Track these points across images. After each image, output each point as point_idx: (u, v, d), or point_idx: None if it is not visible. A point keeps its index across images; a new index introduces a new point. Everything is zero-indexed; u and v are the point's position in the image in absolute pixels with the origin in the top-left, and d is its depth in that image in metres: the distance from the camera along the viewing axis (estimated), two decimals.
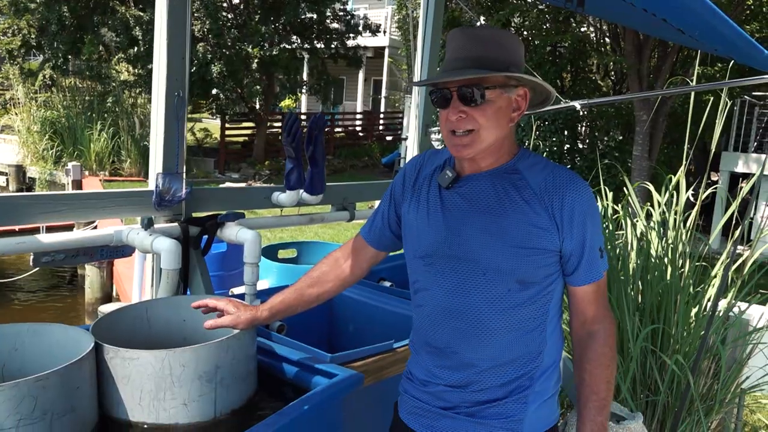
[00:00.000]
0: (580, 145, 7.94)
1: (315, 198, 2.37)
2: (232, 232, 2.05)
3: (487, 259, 1.29)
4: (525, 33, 7.90)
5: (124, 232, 1.88)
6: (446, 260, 1.34)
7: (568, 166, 7.57)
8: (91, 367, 1.39)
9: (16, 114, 13.44)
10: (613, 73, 8.60)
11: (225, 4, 13.63)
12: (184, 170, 2.06)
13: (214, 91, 13.84)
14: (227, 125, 15.24)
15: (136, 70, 12.94)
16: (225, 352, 1.46)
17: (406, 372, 1.48)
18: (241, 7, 14.10)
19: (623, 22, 4.57)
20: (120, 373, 1.40)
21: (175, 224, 2.01)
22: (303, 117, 18.89)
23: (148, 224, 1.84)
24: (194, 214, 2.15)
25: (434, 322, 1.37)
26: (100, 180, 11.86)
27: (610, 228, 2.95)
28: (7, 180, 12.58)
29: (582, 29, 7.75)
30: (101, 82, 13.25)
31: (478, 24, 8.33)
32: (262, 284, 3.34)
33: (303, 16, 14.40)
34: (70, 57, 13.38)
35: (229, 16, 13.75)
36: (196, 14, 12.46)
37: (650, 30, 2.40)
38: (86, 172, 11.82)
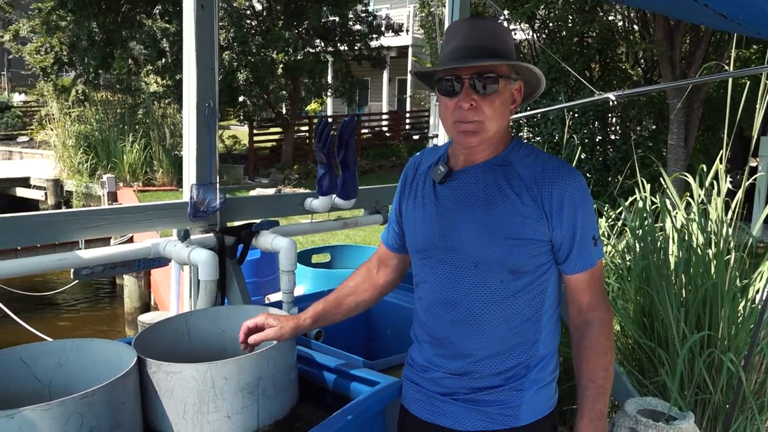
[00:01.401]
0: (613, 137, 7.79)
1: (348, 203, 2.36)
2: (267, 240, 2.05)
3: (478, 250, 1.32)
4: (551, 25, 7.79)
5: (161, 245, 1.89)
6: (440, 253, 1.37)
7: (601, 158, 7.44)
8: (135, 382, 1.39)
9: (51, 129, 13.78)
10: (643, 61, 8.41)
11: (249, 12, 13.74)
12: (218, 180, 2.06)
13: (241, 98, 13.98)
14: (255, 131, 15.38)
15: (164, 81, 13.15)
16: (266, 363, 1.45)
17: (408, 358, 1.52)
18: (265, 14, 14.22)
19: (658, 10, 4.45)
20: (163, 387, 1.40)
21: (211, 235, 2.02)
22: (330, 120, 18.97)
23: (184, 236, 1.85)
24: (229, 224, 2.15)
25: (432, 314, 1.41)
26: (134, 191, 12.08)
27: (649, 221, 2.87)
28: (46, 194, 12.90)
29: (609, 18, 7.59)
30: (131, 95, 13.51)
31: (502, 18, 8.24)
32: (298, 290, 3.35)
33: (325, 20, 14.45)
34: (101, 71, 13.67)
35: (253, 23, 13.87)
36: (220, 23, 12.59)
37: (686, 16, 2.33)
38: (120, 184, 12.05)
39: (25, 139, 18.65)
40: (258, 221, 2.10)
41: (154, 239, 1.92)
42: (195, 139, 1.98)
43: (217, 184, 2.06)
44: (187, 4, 1.94)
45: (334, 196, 2.35)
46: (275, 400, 1.48)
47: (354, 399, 1.53)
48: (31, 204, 12.98)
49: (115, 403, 1.30)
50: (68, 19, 12.55)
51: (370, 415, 1.49)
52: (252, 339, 1.47)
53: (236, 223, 2.17)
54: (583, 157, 7.51)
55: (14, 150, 17.29)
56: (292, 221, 2.73)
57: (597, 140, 7.36)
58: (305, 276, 3.40)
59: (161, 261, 2.14)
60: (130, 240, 5.82)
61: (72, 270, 1.99)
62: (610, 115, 7.84)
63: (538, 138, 7.87)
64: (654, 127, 7.55)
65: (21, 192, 13.41)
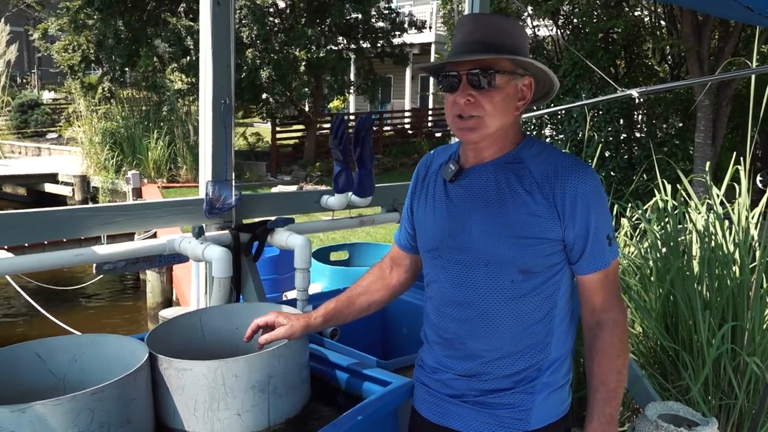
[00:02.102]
0: (638, 134, 7.65)
1: (364, 200, 2.34)
2: (282, 237, 2.04)
3: (488, 249, 1.29)
4: (575, 21, 7.67)
5: (177, 241, 1.90)
6: (450, 252, 1.35)
7: (626, 156, 7.32)
8: (147, 378, 1.40)
9: (78, 126, 14.02)
10: (670, 57, 8.24)
11: (272, 10, 13.80)
12: (233, 177, 2.06)
13: (263, 96, 14.06)
14: (278, 128, 15.46)
15: (188, 79, 13.29)
16: (277, 362, 1.44)
17: (418, 360, 1.50)
18: (288, 11, 14.27)
19: (685, 3, 4.35)
20: (174, 383, 1.40)
21: (226, 231, 2.02)
22: (351, 117, 19.00)
23: (198, 233, 1.85)
24: (245, 221, 2.15)
25: (442, 314, 1.39)
26: (159, 187, 12.23)
27: (672, 223, 2.81)
28: (73, 190, 13.13)
29: (635, 13, 7.45)
30: (156, 92, 13.68)
31: (525, 15, 8.15)
32: (315, 288, 3.34)
33: (348, 17, 14.45)
34: (126, 69, 13.86)
35: (276, 21, 13.93)
36: (243, 21, 12.68)
37: (712, 9, 2.26)
38: (145, 180, 12.22)
39: (54, 135, 19.00)
40: (273, 218, 2.09)
41: (170, 236, 1.93)
42: (210, 136, 1.99)
43: (233, 181, 2.06)
44: (203, 1, 1.94)
45: (350, 193, 2.34)
46: (286, 398, 1.47)
47: (366, 399, 1.52)
48: (59, 199, 13.23)
49: (126, 399, 1.30)
50: (95, 17, 12.75)
51: (381, 416, 1.47)
52: (263, 338, 1.46)
53: (253, 220, 2.18)
54: (607, 155, 7.40)
55: (43, 146, 17.63)
56: (313, 218, 2.72)
57: (622, 138, 7.23)
58: (323, 273, 3.40)
59: (181, 256, 2.15)
60: (154, 236, 5.90)
61: (94, 265, 2.01)
62: (636, 112, 7.71)
63: (561, 136, 7.77)
64: (681, 124, 7.40)
65: (49, 188, 13.68)
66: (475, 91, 1.25)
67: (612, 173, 7.21)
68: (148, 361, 1.41)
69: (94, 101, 14.10)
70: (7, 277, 5.41)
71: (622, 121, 7.41)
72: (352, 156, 2.29)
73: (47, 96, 23.69)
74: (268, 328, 1.49)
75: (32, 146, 17.83)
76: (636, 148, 7.56)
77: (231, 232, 2.03)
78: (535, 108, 1.42)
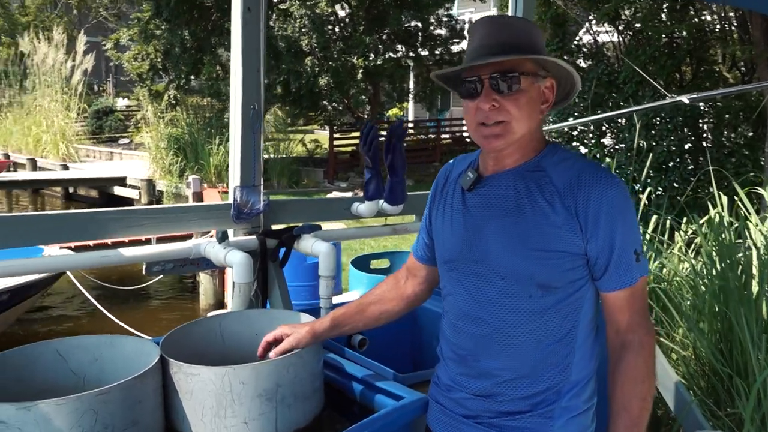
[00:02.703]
0: (705, 144, 7.27)
1: (395, 208, 2.30)
2: (307, 244, 2.03)
3: (505, 263, 1.23)
4: (638, 26, 7.38)
5: (202, 245, 1.91)
6: (467, 264, 1.28)
7: (690, 167, 6.96)
8: (156, 381, 1.40)
9: (146, 132, 14.63)
10: (742, 63, 7.81)
11: (331, 18, 14.00)
12: (262, 183, 2.06)
13: (322, 103, 14.26)
14: (335, 135, 15.64)
15: None
16: (286, 371, 1.42)
17: (434, 376, 1.44)
18: (347, 20, 14.44)
19: (754, 7, 4.11)
20: (183, 388, 1.40)
21: (253, 237, 2.02)
22: (411, 125, 19.00)
23: (222, 237, 1.86)
24: (275, 227, 2.15)
25: (457, 329, 1.32)
26: (219, 191, 12.58)
27: (729, 238, 2.63)
28: (140, 193, 13.69)
29: (703, 16, 7.09)
30: (219, 99, 14.09)
31: (585, 20, 7.91)
32: (353, 295, 3.32)
33: (407, 25, 14.48)
34: (191, 77, 14.36)
35: (336, 29, 14.12)
36: (303, 29, 12.90)
37: None
38: (205, 185, 12.59)
39: (125, 141, 19.92)
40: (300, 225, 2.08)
41: (197, 239, 1.94)
42: (239, 142, 2.00)
43: (261, 186, 2.06)
44: (234, 7, 1.96)
45: (381, 201, 2.30)
46: (295, 408, 1.45)
47: (377, 412, 1.47)
48: (127, 202, 13.81)
49: (131, 402, 1.31)
50: (163, 27, 13.30)
51: (391, 431, 1.42)
52: (272, 353, 1.45)
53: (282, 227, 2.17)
54: (670, 165, 7.06)
55: (115, 151, 18.50)
56: (359, 224, 2.69)
57: (686, 148, 6.89)
58: (360, 282, 3.38)
59: None
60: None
61: (144, 265, 2.06)
62: (702, 120, 7.33)
63: (622, 144, 7.48)
64: (751, 133, 6.98)
65: (118, 191, 14.32)
66: (498, 96, 1.20)
67: (675, 184, 6.88)
68: (158, 364, 1.41)
69: (161, 108, 14.68)
70: (70, 275, 5.66)
71: (686, 130, 7.06)
72: (384, 163, 2.25)
73: (121, 103, 24.87)
74: (278, 342, 1.47)
75: (105, 151, 18.75)
76: (702, 158, 7.18)
77: (258, 237, 2.03)
78: (583, 114, 1.34)
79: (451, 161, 1.45)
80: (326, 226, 3.09)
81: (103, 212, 1.78)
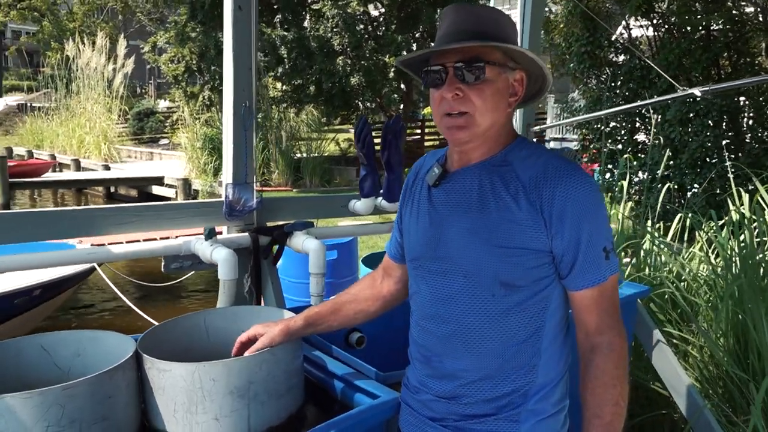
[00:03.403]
0: (746, 139, 7.00)
1: (393, 205, 2.28)
2: (299, 241, 2.02)
3: (467, 260, 1.18)
4: (673, 19, 7.15)
5: (192, 242, 1.93)
6: (430, 262, 1.25)
7: (727, 164, 6.71)
8: (129, 377, 1.41)
9: (183, 133, 14.95)
10: None
11: (364, 18, 14.02)
12: (254, 180, 2.07)
13: (355, 102, 14.29)
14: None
15: (282, 87, 13.76)
16: (258, 368, 1.41)
17: (405, 378, 1.41)
18: (380, 19, 14.44)
19: None
20: (156, 384, 1.41)
21: (244, 234, 2.03)
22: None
23: (209, 234, 1.86)
24: (270, 224, 2.15)
25: (422, 329, 1.29)
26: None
27: (748, 237, 2.50)
28: (176, 192, 14.00)
29: (742, 7, 6.81)
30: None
31: (618, 13, 7.71)
32: None
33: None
34: None
35: (368, 28, 14.13)
36: (335, 29, 12.96)
37: None
38: None
39: (165, 141, 20.42)
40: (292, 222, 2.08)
41: (187, 237, 1.96)
42: (231, 139, 2.00)
43: (254, 184, 2.06)
44: (226, 5, 1.97)
45: (380, 198, 2.28)
46: (269, 406, 1.44)
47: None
48: (165, 201, 14.15)
49: (100, 397, 1.31)
50: (198, 30, 13.55)
51: (359, 431, 1.40)
52: (247, 353, 1.44)
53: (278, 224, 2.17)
54: (708, 160, 6.82)
55: (155, 152, 18.99)
56: (363, 220, 2.68)
57: (723, 144, 6.64)
58: None
59: None
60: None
61: (162, 261, 2.10)
62: (741, 115, 7.05)
63: (658, 140, 7.26)
64: None
65: (156, 190, 14.69)
66: (463, 85, 1.16)
67: (711, 181, 6.63)
68: (132, 360, 1.42)
69: (196, 109, 14.97)
70: (99, 271, 5.81)
71: (724, 126, 6.80)
72: (381, 160, 2.23)
73: (162, 104, 25.48)
74: (252, 341, 1.46)
75: (146, 151, 19.27)
76: (741, 155, 6.91)
77: (250, 234, 2.03)
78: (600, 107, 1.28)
79: (423, 157, 1.42)
80: (345, 222, 3.08)
81: (92, 210, 1.81)
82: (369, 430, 1.43)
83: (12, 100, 29.60)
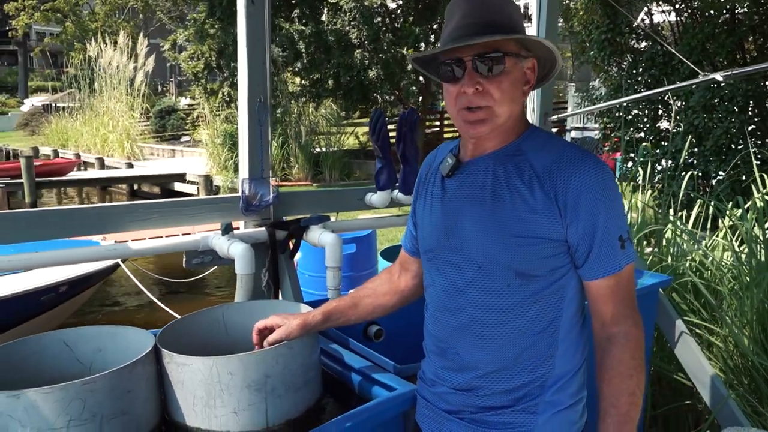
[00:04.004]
0: None
1: (409, 198, 2.26)
2: (314, 235, 2.02)
3: (482, 250, 1.17)
4: (695, 3, 7.00)
5: (210, 238, 1.94)
6: (445, 254, 1.24)
7: (753, 149, 6.56)
8: (148, 371, 1.43)
9: (204, 129, 15.08)
10: None
11: (381, 10, 13.97)
12: (270, 175, 2.07)
13: (373, 95, 14.27)
14: (388, 127, 15.61)
15: (301, 82, 13.79)
16: (275, 362, 1.42)
17: (420, 371, 1.40)
18: (398, 11, 14.37)
19: None
20: (175, 378, 1.43)
21: (262, 229, 2.04)
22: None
23: (226, 229, 1.88)
24: (287, 218, 2.16)
25: (437, 321, 1.28)
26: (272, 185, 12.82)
27: None
28: (198, 188, 14.13)
29: None
30: (271, 95, 14.34)
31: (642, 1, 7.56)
32: None
33: None
34: None
35: (386, 20, 14.08)
36: (353, 22, 12.93)
37: None
38: None
39: (186, 138, 20.62)
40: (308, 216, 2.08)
41: (205, 232, 1.97)
42: (246, 134, 2.01)
43: (270, 179, 2.07)
44: (239, 0, 1.97)
45: (396, 191, 2.28)
46: (287, 399, 1.45)
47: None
48: (187, 197, 14.29)
49: (120, 391, 1.34)
50: (216, 27, 13.63)
51: (376, 424, 1.40)
52: (266, 342, 1.45)
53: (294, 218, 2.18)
54: (733, 147, 6.67)
55: (177, 149, 19.19)
56: (379, 213, 2.65)
57: (748, 130, 6.49)
58: None
59: None
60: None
61: (184, 257, 2.12)
62: None
63: (680, 127, 7.12)
64: None
65: (178, 186, 14.84)
66: (482, 79, 1.15)
67: (737, 168, 6.49)
68: (151, 354, 1.44)
69: (216, 105, 15.08)
70: (123, 266, 5.90)
71: (750, 111, 6.65)
72: (396, 153, 2.22)
73: (184, 102, 25.72)
74: (270, 330, 1.47)
75: (168, 148, 19.48)
76: (767, 140, 6.75)
77: (267, 229, 2.04)
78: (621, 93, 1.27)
79: (436, 149, 1.41)
80: (364, 215, 3.07)
81: (111, 206, 1.84)
82: (386, 422, 1.43)
83: (38, 100, 30.16)
